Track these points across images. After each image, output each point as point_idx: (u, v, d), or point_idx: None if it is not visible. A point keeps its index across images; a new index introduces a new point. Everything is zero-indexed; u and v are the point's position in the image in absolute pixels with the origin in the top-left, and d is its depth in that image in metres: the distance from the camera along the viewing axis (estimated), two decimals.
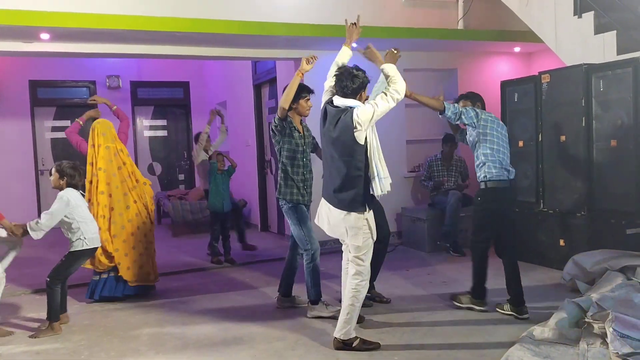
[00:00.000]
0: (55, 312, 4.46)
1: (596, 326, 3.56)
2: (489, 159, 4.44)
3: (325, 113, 3.91)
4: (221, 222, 6.82)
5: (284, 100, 4.45)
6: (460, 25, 7.20)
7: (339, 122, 3.74)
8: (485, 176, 4.45)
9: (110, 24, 5.67)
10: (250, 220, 9.60)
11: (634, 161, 5.02)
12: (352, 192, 3.75)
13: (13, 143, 10.08)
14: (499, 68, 8.25)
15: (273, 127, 4.59)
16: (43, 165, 10.45)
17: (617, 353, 3.29)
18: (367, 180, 3.78)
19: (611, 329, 3.40)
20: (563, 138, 5.63)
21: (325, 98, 4.03)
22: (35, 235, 4.43)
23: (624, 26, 5.47)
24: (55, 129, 10.49)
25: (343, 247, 4.05)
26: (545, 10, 6.12)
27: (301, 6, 6.49)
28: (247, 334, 4.28)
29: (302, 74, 4.49)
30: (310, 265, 4.54)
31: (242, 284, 5.84)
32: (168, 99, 11.39)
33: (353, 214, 3.76)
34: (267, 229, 9.07)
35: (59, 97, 10.52)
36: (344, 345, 3.83)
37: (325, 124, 3.87)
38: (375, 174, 3.75)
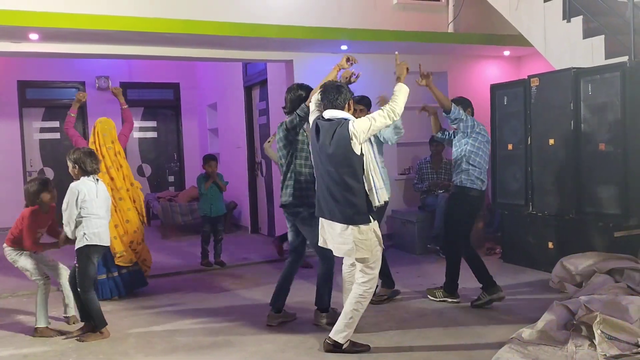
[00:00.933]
0: (100, 318, 4.30)
1: (584, 328, 3.59)
2: (475, 168, 4.75)
3: (317, 128, 3.89)
4: (211, 225, 6.80)
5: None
6: (450, 29, 7.23)
7: (335, 134, 3.74)
8: (467, 182, 4.75)
9: (100, 25, 5.64)
10: (241, 223, 9.59)
11: (622, 165, 5.06)
12: (355, 204, 3.73)
13: (1, 144, 9.99)
14: (489, 71, 8.30)
15: (290, 127, 4.30)
16: (31, 166, 10.36)
17: (605, 355, 3.31)
18: (366, 192, 3.78)
19: (599, 331, 3.42)
20: (552, 141, 5.67)
21: (312, 117, 4.03)
22: (69, 232, 4.30)
23: (612, 31, 5.52)
24: (43, 130, 10.42)
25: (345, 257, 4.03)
26: (535, 14, 6.17)
27: (292, 8, 6.50)
28: (237, 337, 4.26)
29: (339, 69, 4.41)
30: (329, 273, 4.43)
31: (232, 286, 5.82)
32: (158, 100, 11.35)
33: (360, 226, 3.74)
34: (257, 231, 9.05)
35: (47, 98, 10.44)
36: (334, 347, 3.83)
37: (319, 139, 3.84)
38: (372, 185, 3.75)
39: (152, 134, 11.35)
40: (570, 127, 5.44)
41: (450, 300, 4.90)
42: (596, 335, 3.42)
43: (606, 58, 5.45)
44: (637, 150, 5.05)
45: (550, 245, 5.77)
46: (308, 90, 4.41)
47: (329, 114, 3.86)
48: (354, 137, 3.68)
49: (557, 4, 5.92)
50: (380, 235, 3.87)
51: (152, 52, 6.67)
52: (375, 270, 3.87)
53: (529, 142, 5.92)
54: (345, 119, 3.79)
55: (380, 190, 3.78)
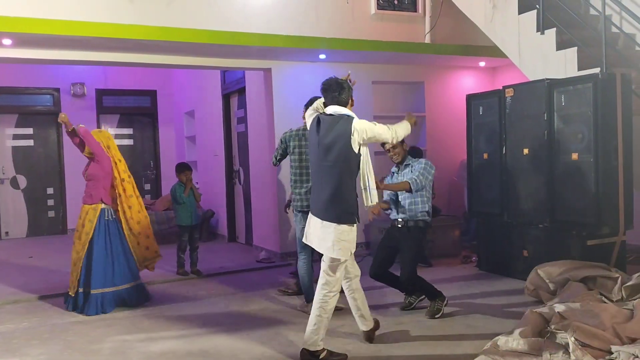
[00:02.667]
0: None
1: (559, 336, 3.63)
2: (430, 201, 4.93)
3: (317, 123, 3.90)
4: (189, 234, 6.73)
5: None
6: (427, 39, 7.31)
7: (335, 128, 3.77)
8: (427, 213, 4.86)
9: (75, 31, 5.56)
10: (218, 231, 9.52)
11: (594, 174, 5.15)
12: (344, 202, 3.74)
13: None
14: (465, 82, 8.41)
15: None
16: (3, 174, 10.15)
17: None
18: (356, 192, 3.80)
19: (573, 339, 3.46)
20: (526, 151, 5.74)
21: (310, 120, 4.04)
22: None
23: (585, 43, 5.64)
24: (16, 136, 10.22)
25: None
26: (509, 26, 6.27)
27: (271, 17, 6.50)
28: (213, 347, 4.21)
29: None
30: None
31: (208, 295, 5.76)
32: (134, 108, 11.23)
33: (343, 226, 3.74)
34: (234, 240, 8.99)
35: (21, 105, 10.24)
36: (311, 356, 3.81)
37: (320, 132, 3.84)
38: (367, 184, 3.77)
39: (129, 142, 11.21)
40: (544, 137, 5.52)
41: (443, 304, 4.79)
42: (570, 342, 3.46)
43: (579, 69, 5.56)
44: (609, 160, 5.15)
45: (525, 253, 5.84)
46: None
47: (331, 109, 3.89)
48: (355, 133, 3.70)
49: (531, 16, 6.03)
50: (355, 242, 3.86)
51: (128, 59, 6.60)
52: (338, 274, 3.83)
53: (504, 152, 5.99)
54: (348, 115, 3.82)
55: (373, 190, 3.78)
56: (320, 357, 3.80)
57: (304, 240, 4.06)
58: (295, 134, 4.97)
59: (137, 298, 5.37)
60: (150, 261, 5.63)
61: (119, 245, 5.27)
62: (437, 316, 4.71)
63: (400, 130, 3.98)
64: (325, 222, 3.77)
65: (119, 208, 5.43)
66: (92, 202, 5.25)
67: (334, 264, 3.80)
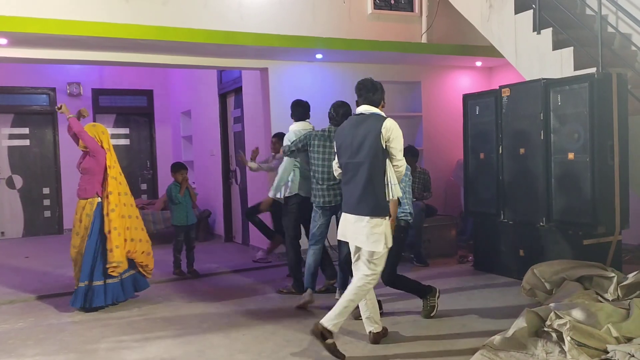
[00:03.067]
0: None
1: (555, 335, 3.63)
2: (411, 201, 4.86)
3: (349, 122, 4.11)
4: (185, 234, 6.72)
5: None
6: (424, 39, 7.32)
7: (365, 125, 3.94)
8: (410, 214, 4.76)
9: (71, 30, 5.54)
10: (215, 231, 9.50)
11: (590, 174, 5.16)
12: (375, 197, 3.88)
13: None
14: (462, 81, 8.41)
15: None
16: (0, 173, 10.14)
17: None
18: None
19: (569, 338, 3.47)
20: (522, 151, 5.75)
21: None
22: None
23: (581, 43, 5.65)
24: (12, 136, 10.18)
25: (356, 251, 4.04)
26: (506, 26, 6.28)
27: (267, 16, 6.49)
28: (209, 347, 4.21)
29: None
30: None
31: (205, 295, 5.75)
32: (131, 107, 11.19)
33: (376, 219, 3.86)
34: (231, 240, 8.98)
35: (17, 104, 10.20)
36: (322, 335, 3.80)
37: (351, 131, 4.00)
38: (389, 180, 3.91)
39: (125, 141, 11.19)
40: (540, 137, 5.53)
41: (436, 298, 4.80)
42: (566, 342, 3.47)
43: (575, 69, 5.57)
44: (605, 160, 5.16)
45: (522, 253, 5.85)
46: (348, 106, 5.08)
47: (362, 109, 4.04)
48: (384, 132, 3.84)
49: (527, 16, 6.04)
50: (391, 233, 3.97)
51: (124, 59, 6.59)
52: (380, 266, 3.94)
53: (500, 151, 6.00)
54: (380, 115, 3.99)
55: (394, 186, 3.92)
56: (327, 341, 3.82)
57: (338, 237, 4.16)
58: (321, 134, 5.14)
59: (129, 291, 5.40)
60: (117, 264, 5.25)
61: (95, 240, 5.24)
62: (432, 314, 4.70)
63: (401, 171, 4.03)
64: (358, 217, 3.90)
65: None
66: (88, 196, 5.21)
67: (373, 258, 3.90)
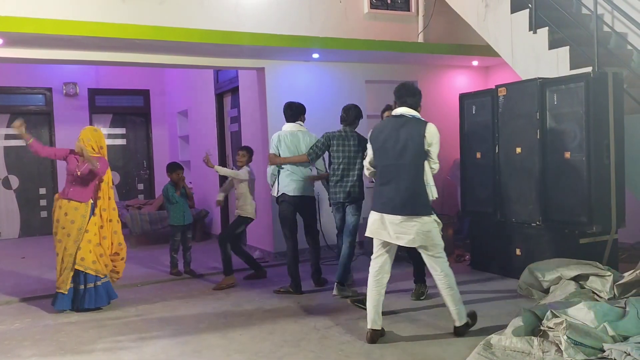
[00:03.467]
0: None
1: (551, 334, 3.64)
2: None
3: (389, 124, 4.22)
4: (182, 233, 6.71)
5: None
6: (420, 39, 7.32)
7: (406, 128, 4.10)
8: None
9: (67, 30, 5.53)
10: (212, 231, 9.49)
11: (587, 173, 5.17)
12: (422, 197, 4.08)
13: None
14: (458, 81, 8.42)
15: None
16: None
17: None
18: None
19: (565, 337, 3.48)
20: (519, 150, 5.76)
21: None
22: None
23: (577, 42, 5.66)
24: (9, 136, 10.15)
25: (380, 249, 4.22)
26: (502, 25, 6.29)
27: (264, 16, 6.49)
28: (206, 347, 4.20)
29: None
30: (352, 248, 5.51)
31: (202, 295, 5.75)
32: (127, 107, 11.17)
33: (426, 217, 4.06)
34: None
35: (13, 104, 10.18)
36: (466, 328, 4.20)
37: (391, 134, 4.14)
38: (428, 180, 4.11)
39: (121, 141, 11.17)
40: (537, 136, 5.54)
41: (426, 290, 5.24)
42: (562, 340, 3.47)
43: (571, 68, 5.58)
44: (601, 159, 5.17)
45: (518, 252, 5.86)
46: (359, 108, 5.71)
47: (403, 110, 4.20)
48: (428, 136, 4.05)
49: (523, 15, 6.05)
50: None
51: (121, 59, 6.57)
52: (441, 243, 4.16)
53: (497, 151, 6.01)
54: (420, 118, 4.18)
55: (433, 186, 4.14)
56: (470, 323, 4.23)
57: (372, 235, 4.23)
58: (339, 134, 5.55)
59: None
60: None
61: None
62: (422, 298, 5.17)
63: (436, 172, 4.23)
64: (406, 217, 4.04)
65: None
66: (84, 200, 5.20)
67: (440, 248, 4.14)
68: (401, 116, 4.19)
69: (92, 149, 5.26)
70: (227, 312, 5.11)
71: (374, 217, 4.20)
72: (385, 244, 4.19)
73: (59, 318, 5.05)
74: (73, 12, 5.57)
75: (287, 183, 5.64)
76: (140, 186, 11.31)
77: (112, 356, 4.11)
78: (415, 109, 4.22)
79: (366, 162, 4.43)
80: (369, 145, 4.39)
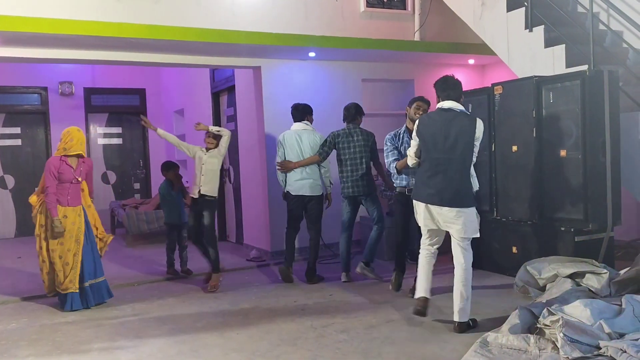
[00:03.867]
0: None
1: (547, 332, 3.65)
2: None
3: (436, 118, 4.31)
4: (178, 232, 6.71)
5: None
6: (416, 37, 7.32)
7: (457, 122, 4.21)
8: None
9: (63, 29, 5.52)
10: None
11: (582, 171, 5.19)
12: (470, 189, 4.27)
13: None
14: None
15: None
16: None
17: (568, 358, 3.38)
18: None
19: (561, 334, 3.49)
20: (515, 148, 5.77)
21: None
22: None
23: (573, 40, 5.67)
24: (4, 136, 10.12)
25: (429, 234, 4.44)
26: (498, 24, 6.30)
27: (260, 15, 6.48)
28: (203, 346, 4.20)
29: None
30: (379, 233, 5.92)
31: (198, 294, 5.74)
32: (123, 106, 11.13)
33: (472, 209, 4.26)
34: (225, 239, 8.96)
35: (8, 104, 10.13)
36: (467, 327, 4.23)
37: (440, 127, 4.24)
38: (473, 172, 4.32)
39: (117, 141, 11.14)
40: (533, 134, 5.55)
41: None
42: (559, 338, 3.48)
43: (567, 67, 5.60)
44: (597, 157, 5.19)
45: (514, 250, 5.87)
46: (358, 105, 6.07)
47: (451, 104, 4.30)
48: (478, 132, 4.22)
49: (519, 13, 6.06)
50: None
51: (116, 58, 6.55)
52: (470, 248, 4.31)
53: (493, 149, 6.02)
54: (467, 112, 4.36)
55: (475, 178, 4.35)
56: (472, 325, 4.26)
57: (424, 226, 4.42)
58: (343, 132, 5.88)
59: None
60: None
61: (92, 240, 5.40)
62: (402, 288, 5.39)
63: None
64: (454, 208, 4.20)
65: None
66: (78, 204, 5.30)
67: (466, 243, 4.28)
68: (449, 110, 4.28)
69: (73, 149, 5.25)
70: (224, 311, 5.10)
71: (420, 208, 4.37)
72: (434, 230, 4.41)
73: (56, 318, 5.05)
74: (69, 11, 5.55)
75: (296, 181, 5.92)
76: (137, 185, 11.29)
77: (109, 356, 4.10)
78: (459, 102, 4.32)
79: (411, 152, 4.51)
80: (414, 136, 4.47)
